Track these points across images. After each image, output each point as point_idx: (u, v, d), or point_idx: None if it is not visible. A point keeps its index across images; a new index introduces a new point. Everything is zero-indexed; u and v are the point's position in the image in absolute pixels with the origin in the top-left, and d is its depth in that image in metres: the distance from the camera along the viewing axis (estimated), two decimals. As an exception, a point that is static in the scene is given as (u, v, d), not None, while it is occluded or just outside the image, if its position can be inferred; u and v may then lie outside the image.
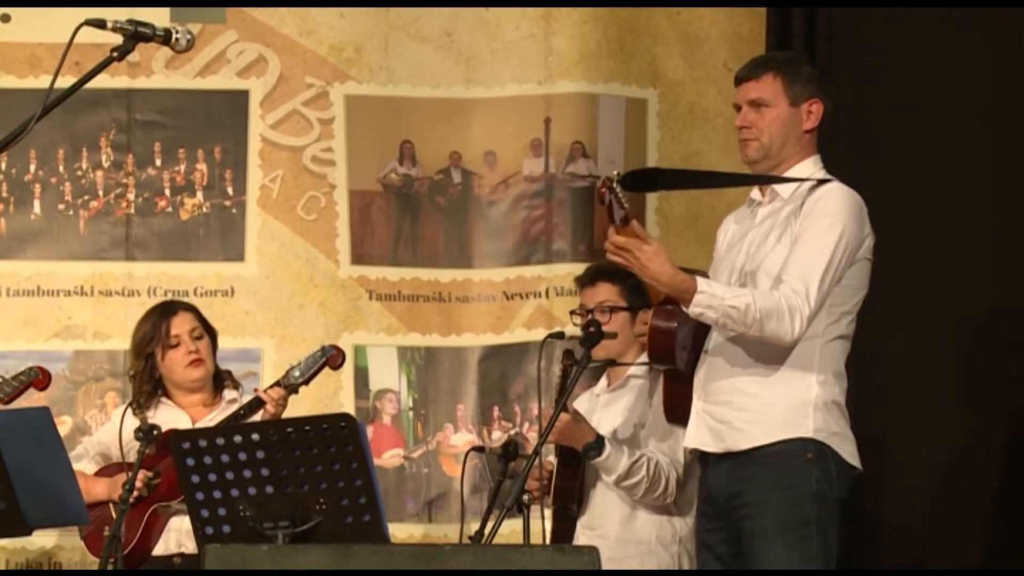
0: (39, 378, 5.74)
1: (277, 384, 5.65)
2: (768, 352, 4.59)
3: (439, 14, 6.66)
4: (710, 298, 4.50)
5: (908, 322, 6.03)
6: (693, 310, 4.52)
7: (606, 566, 5.07)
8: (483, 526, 5.02)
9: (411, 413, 6.60)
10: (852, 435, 4.64)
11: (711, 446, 4.67)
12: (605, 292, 5.44)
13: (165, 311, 5.84)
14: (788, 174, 4.71)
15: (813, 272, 4.52)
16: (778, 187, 4.71)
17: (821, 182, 4.67)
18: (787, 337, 4.52)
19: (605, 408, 5.40)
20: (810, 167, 4.72)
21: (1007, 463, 5.97)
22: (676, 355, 4.74)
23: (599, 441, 5.19)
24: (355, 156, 6.63)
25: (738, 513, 4.61)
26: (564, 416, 5.15)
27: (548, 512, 5.31)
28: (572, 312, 5.50)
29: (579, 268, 5.92)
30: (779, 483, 4.56)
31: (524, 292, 6.61)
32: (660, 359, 4.81)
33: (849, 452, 4.62)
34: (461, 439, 6.57)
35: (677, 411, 4.80)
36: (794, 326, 4.50)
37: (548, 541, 5.33)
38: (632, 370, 5.45)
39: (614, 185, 4.50)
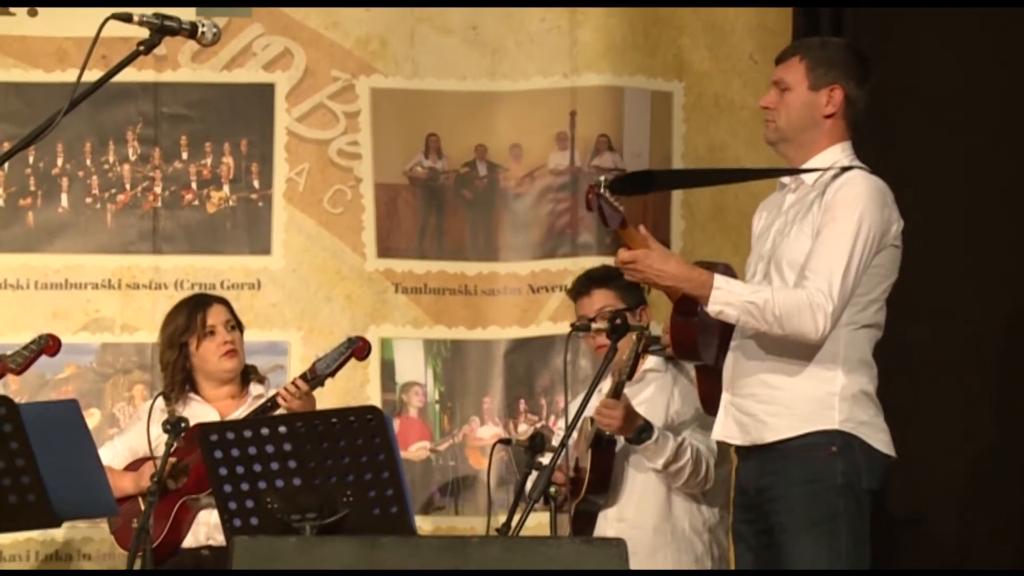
0: (49, 344, 5.76)
1: (303, 378, 5.65)
2: (792, 345, 4.55)
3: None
4: (728, 294, 4.46)
5: (936, 311, 6.01)
6: (712, 308, 4.48)
7: (640, 556, 5.10)
8: (510, 518, 5.01)
9: (437, 406, 6.61)
10: (884, 424, 4.59)
11: (738, 439, 4.66)
12: (602, 298, 5.44)
13: (200, 303, 5.86)
14: (812, 161, 4.64)
15: (836, 266, 4.45)
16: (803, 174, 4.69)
17: (843, 170, 4.59)
18: (812, 335, 4.47)
19: None
20: (836, 154, 4.63)
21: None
22: (699, 348, 4.72)
23: (648, 425, 5.20)
24: (381, 149, 6.63)
25: (768, 507, 4.59)
26: (618, 405, 5.16)
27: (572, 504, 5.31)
28: (572, 325, 5.42)
29: (605, 261, 5.90)
30: (805, 477, 4.53)
31: (550, 285, 6.61)
32: (684, 353, 4.79)
33: (881, 441, 4.57)
34: (487, 432, 6.57)
35: (712, 404, 4.78)
36: (818, 324, 4.44)
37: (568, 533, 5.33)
38: (649, 365, 5.44)
39: (602, 191, 4.50)
